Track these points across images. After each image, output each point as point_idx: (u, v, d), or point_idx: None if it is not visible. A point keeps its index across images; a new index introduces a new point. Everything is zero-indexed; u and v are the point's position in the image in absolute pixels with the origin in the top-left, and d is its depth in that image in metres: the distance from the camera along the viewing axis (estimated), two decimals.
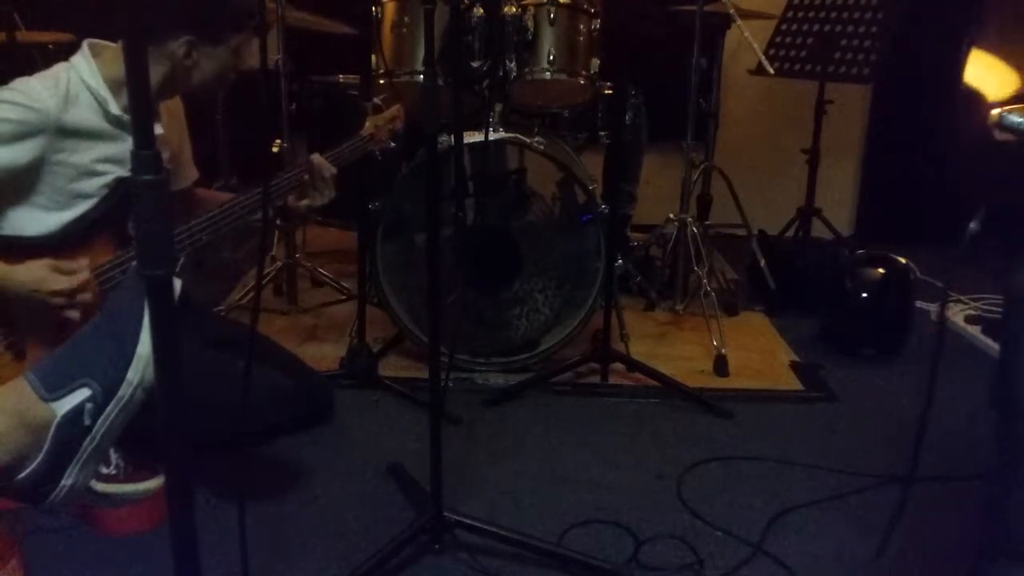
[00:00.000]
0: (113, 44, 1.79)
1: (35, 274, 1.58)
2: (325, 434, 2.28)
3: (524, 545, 1.78)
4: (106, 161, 1.75)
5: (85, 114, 1.71)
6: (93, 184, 1.74)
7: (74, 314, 1.60)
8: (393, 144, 2.25)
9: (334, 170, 1.99)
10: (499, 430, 2.35)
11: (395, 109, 2.23)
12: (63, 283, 1.58)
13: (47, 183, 1.69)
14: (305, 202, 1.99)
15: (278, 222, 3.03)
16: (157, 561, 1.73)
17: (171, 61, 1.76)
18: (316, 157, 1.98)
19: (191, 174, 2.11)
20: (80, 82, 1.72)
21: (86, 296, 1.61)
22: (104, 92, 1.73)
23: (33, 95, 1.64)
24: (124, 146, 1.78)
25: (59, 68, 1.73)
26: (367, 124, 2.15)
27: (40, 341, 1.64)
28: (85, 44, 1.77)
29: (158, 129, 1.80)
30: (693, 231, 3.07)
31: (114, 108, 1.74)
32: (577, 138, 2.99)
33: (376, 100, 2.52)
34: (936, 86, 3.84)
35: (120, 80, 1.73)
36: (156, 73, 1.77)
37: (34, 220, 1.70)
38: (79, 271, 1.61)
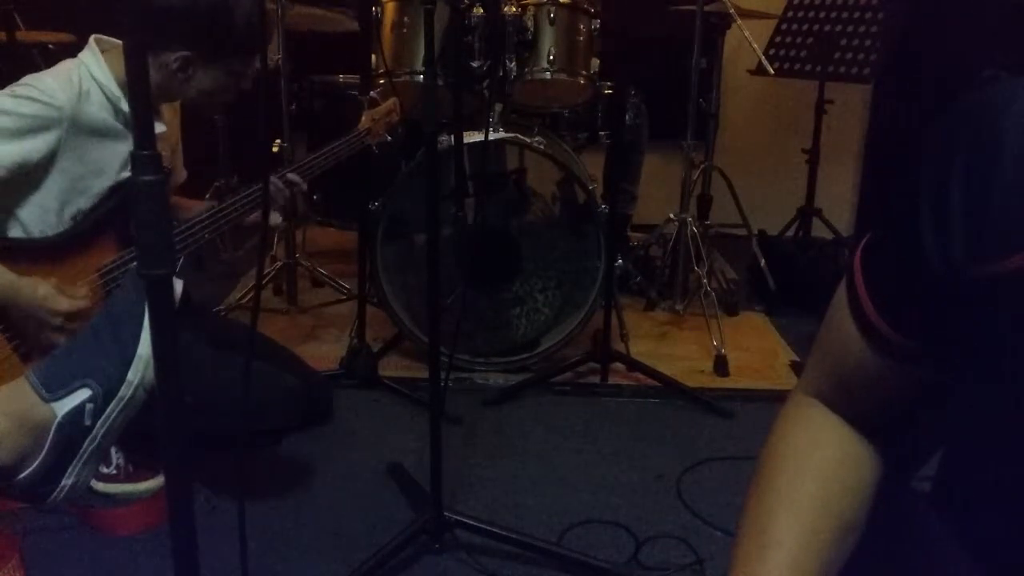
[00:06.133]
0: (120, 42, 1.79)
1: (42, 290, 1.61)
2: (325, 434, 2.28)
3: (524, 545, 1.78)
4: (115, 160, 1.76)
5: (97, 111, 1.71)
6: (101, 183, 1.74)
7: (60, 339, 1.62)
8: (390, 138, 2.24)
9: (302, 186, 2.00)
10: (499, 430, 2.35)
11: (391, 102, 2.23)
12: (65, 304, 1.62)
13: (56, 181, 1.68)
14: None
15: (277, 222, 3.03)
16: (157, 561, 1.74)
17: (164, 72, 1.75)
18: (275, 180, 1.97)
19: (181, 176, 2.11)
20: (91, 78, 1.72)
21: (75, 326, 1.63)
22: (116, 90, 1.73)
23: (48, 90, 1.64)
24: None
25: (69, 64, 1.73)
26: (363, 119, 2.15)
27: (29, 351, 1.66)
28: (92, 40, 1.76)
29: (160, 127, 1.80)
30: (693, 231, 3.07)
31: (126, 106, 1.74)
32: (577, 138, 2.99)
33: (372, 94, 2.52)
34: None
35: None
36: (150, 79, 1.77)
37: (40, 220, 1.70)
38: (81, 298, 1.65)
